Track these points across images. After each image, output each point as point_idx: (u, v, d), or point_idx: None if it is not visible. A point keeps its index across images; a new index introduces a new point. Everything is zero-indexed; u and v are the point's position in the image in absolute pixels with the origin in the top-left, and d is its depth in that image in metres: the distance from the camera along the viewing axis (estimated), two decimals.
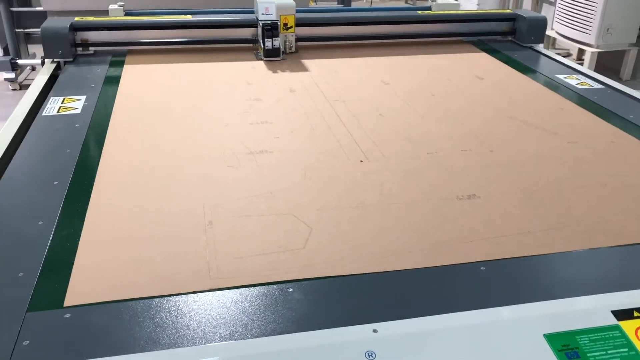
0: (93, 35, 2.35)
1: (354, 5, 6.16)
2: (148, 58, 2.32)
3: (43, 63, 2.29)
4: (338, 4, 5.29)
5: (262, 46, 2.30)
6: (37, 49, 4.88)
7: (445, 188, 1.36)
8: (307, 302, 0.97)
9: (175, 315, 0.93)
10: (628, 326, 0.92)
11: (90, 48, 2.36)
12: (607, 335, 0.90)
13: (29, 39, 4.89)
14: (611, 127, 1.73)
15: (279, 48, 2.30)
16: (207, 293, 0.99)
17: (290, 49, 2.41)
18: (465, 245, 1.15)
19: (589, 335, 0.90)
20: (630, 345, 0.89)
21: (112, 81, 2.03)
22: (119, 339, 0.88)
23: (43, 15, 3.52)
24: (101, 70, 2.15)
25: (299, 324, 0.92)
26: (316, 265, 1.07)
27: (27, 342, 0.87)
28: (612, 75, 4.91)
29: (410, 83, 2.08)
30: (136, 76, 2.11)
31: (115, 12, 2.64)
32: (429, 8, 2.90)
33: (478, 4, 6.19)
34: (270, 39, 2.27)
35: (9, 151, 1.48)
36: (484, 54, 2.52)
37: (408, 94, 1.97)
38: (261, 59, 2.32)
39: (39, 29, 2.25)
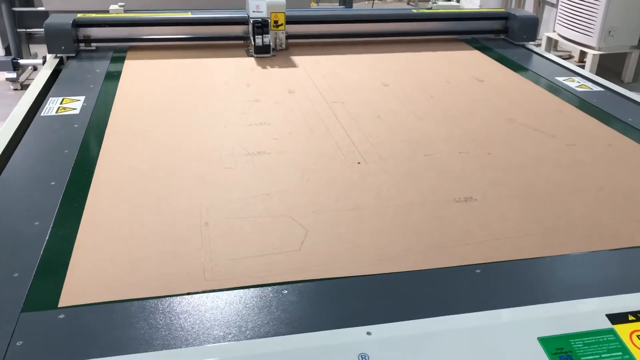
0: (95, 32, 2.40)
1: (355, 7, 6.15)
2: (148, 54, 2.36)
3: (44, 63, 2.31)
4: (340, 5, 5.29)
5: (253, 43, 2.34)
6: (39, 49, 4.89)
7: (442, 190, 1.36)
8: (301, 304, 0.97)
9: (169, 317, 0.93)
10: (623, 330, 0.91)
11: (93, 44, 2.41)
12: (602, 339, 0.90)
13: (30, 38, 4.89)
14: (610, 130, 1.73)
15: (269, 45, 2.35)
16: (201, 294, 0.99)
17: (281, 45, 2.45)
18: (461, 248, 1.15)
19: (583, 339, 0.90)
20: (624, 349, 0.89)
21: (112, 79, 2.05)
22: (112, 340, 0.88)
23: (45, 15, 3.52)
24: (102, 67, 2.19)
25: (292, 325, 0.92)
26: (311, 267, 1.07)
27: (21, 342, 0.87)
28: (613, 77, 4.90)
29: (409, 84, 2.08)
30: (136, 73, 2.13)
31: (116, 13, 2.66)
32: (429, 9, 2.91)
33: (480, 6, 6.18)
34: (260, 36, 2.32)
35: (7, 151, 1.48)
36: (477, 52, 2.54)
37: (407, 96, 1.96)
38: (252, 55, 2.38)
39: (41, 29, 2.27)
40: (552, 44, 5.42)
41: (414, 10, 2.83)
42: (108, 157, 1.47)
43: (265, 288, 1.01)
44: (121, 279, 1.03)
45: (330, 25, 2.63)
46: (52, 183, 1.33)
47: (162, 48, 2.45)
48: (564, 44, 5.27)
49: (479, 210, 1.28)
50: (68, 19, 2.32)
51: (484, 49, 2.58)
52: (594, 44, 4.77)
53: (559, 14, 5.19)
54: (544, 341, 0.89)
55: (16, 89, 4.47)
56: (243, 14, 2.49)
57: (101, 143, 1.55)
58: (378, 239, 1.16)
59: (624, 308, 0.95)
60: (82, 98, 1.84)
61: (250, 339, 0.89)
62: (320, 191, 1.34)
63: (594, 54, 4.75)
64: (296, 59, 2.37)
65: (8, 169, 1.40)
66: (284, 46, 2.46)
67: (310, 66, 2.26)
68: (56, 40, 2.28)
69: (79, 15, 2.41)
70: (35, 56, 4.85)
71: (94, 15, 2.44)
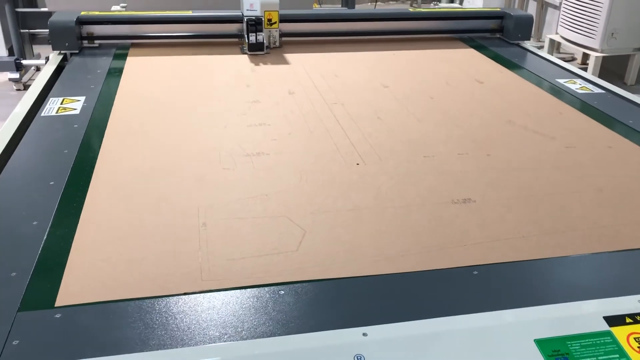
0: (98, 29, 2.45)
1: (357, 8, 6.15)
2: (149, 51, 2.40)
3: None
4: (342, 6, 5.29)
5: (247, 40, 2.38)
6: (42, 50, 4.90)
7: (441, 191, 1.36)
8: (298, 304, 0.97)
9: (166, 317, 0.93)
10: (620, 332, 0.91)
11: (96, 41, 2.45)
12: (599, 341, 0.90)
13: (34, 39, 4.91)
14: (610, 132, 1.73)
15: (262, 42, 2.39)
16: (198, 295, 0.99)
17: (275, 43, 2.49)
18: (459, 249, 1.14)
19: (580, 341, 0.89)
20: (621, 351, 0.88)
21: (113, 78, 2.06)
22: (108, 340, 0.88)
23: (48, 16, 3.54)
24: (104, 64, 2.22)
25: (288, 326, 0.92)
26: (308, 268, 1.07)
27: (17, 341, 0.87)
28: (616, 80, 4.89)
29: (408, 85, 2.08)
30: (136, 72, 2.14)
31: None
32: None
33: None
34: (254, 34, 2.36)
35: (7, 151, 1.48)
36: (474, 51, 2.55)
37: (406, 97, 1.96)
38: (246, 53, 2.41)
39: (44, 30, 2.30)
40: (554, 46, 5.41)
41: (410, 9, 2.84)
42: (107, 157, 1.48)
43: (262, 288, 1.01)
44: (118, 278, 1.03)
45: (324, 23, 2.66)
46: (51, 183, 1.33)
47: (162, 45, 2.49)
48: (566, 46, 5.26)
49: (477, 211, 1.28)
50: (72, 17, 2.36)
51: (479, 48, 2.60)
52: (596, 46, 4.76)
53: (561, 16, 5.18)
54: (541, 343, 0.88)
55: (19, 89, 4.48)
56: (238, 13, 2.52)
57: (101, 143, 1.55)
58: (376, 240, 1.16)
59: (622, 310, 0.95)
60: (82, 98, 1.85)
61: (246, 339, 0.89)
62: (319, 192, 1.34)
63: (596, 56, 4.74)
64: (294, 57, 2.39)
65: (7, 168, 1.40)
66: (277, 44, 2.49)
67: (310, 67, 2.26)
68: (60, 37, 2.32)
69: (82, 12, 2.45)
70: (38, 57, 4.86)
71: (96, 13, 2.49)
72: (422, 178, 1.42)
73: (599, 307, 0.96)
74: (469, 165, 1.49)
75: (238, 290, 1.00)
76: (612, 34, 4.68)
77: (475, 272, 1.07)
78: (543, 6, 5.98)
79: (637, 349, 0.89)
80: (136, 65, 2.22)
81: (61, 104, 1.80)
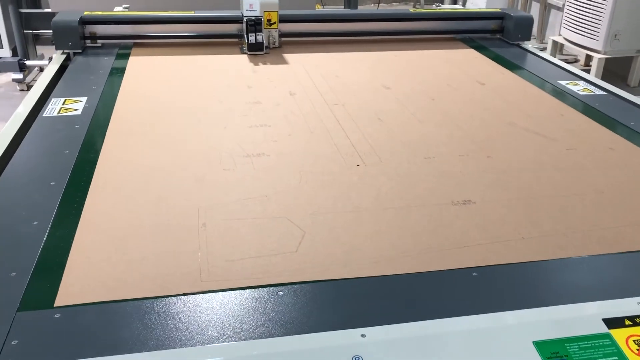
0: (101, 29, 2.47)
1: (360, 9, 6.16)
2: (151, 51, 2.42)
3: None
4: (345, 8, 5.29)
5: (247, 40, 2.39)
6: (46, 50, 4.92)
7: (440, 193, 1.35)
8: (296, 305, 0.97)
9: (165, 317, 0.94)
10: (619, 335, 0.91)
11: (98, 41, 2.47)
12: (597, 344, 0.89)
13: (37, 40, 4.92)
14: (611, 134, 1.72)
15: (262, 42, 2.40)
16: (196, 295, 0.99)
17: (274, 43, 2.50)
18: (458, 251, 1.14)
19: (579, 343, 0.89)
20: (620, 354, 0.88)
21: (115, 79, 2.07)
22: (107, 340, 0.88)
23: (51, 16, 3.55)
24: (106, 64, 2.23)
25: (287, 327, 0.92)
26: (308, 269, 1.07)
27: (16, 341, 0.87)
28: (619, 81, 4.88)
29: (409, 86, 2.08)
30: (138, 72, 2.15)
31: None
32: None
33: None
34: (253, 34, 2.38)
35: (8, 151, 1.49)
36: (474, 51, 2.56)
37: (407, 98, 1.96)
38: (245, 53, 2.42)
39: (48, 31, 2.32)
40: (557, 48, 5.40)
41: (411, 10, 2.85)
42: (108, 158, 1.48)
43: (260, 289, 1.01)
44: (118, 279, 1.03)
45: (323, 24, 2.67)
46: (52, 183, 1.34)
47: (164, 45, 2.51)
48: (569, 48, 5.25)
49: (477, 213, 1.28)
50: (75, 17, 2.38)
51: (480, 48, 2.60)
52: (599, 48, 4.75)
53: (564, 17, 5.17)
54: (539, 345, 0.88)
55: (22, 90, 4.49)
56: (238, 13, 2.53)
57: (102, 144, 1.56)
58: (376, 241, 1.16)
59: (621, 312, 0.94)
60: (84, 99, 1.85)
61: (244, 340, 0.89)
62: (319, 193, 1.34)
63: (599, 58, 4.73)
64: (294, 57, 2.40)
65: (9, 169, 1.41)
66: (277, 44, 2.50)
67: (310, 67, 2.26)
68: (63, 36, 2.34)
69: (85, 12, 2.46)
70: (41, 57, 4.88)
71: (99, 13, 2.51)
72: (422, 179, 1.42)
73: (598, 309, 0.96)
74: (469, 166, 1.49)
75: (237, 291, 1.00)
76: (615, 35, 4.67)
77: (475, 274, 1.07)
78: (546, 8, 5.97)
79: (636, 352, 0.88)
80: (138, 65, 2.23)
81: (63, 104, 1.80)
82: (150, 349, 0.87)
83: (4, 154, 1.46)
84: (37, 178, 1.37)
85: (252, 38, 2.38)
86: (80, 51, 2.37)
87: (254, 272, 1.06)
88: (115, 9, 2.70)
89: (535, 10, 6.07)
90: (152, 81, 2.06)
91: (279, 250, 1.13)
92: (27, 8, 4.64)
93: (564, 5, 5.22)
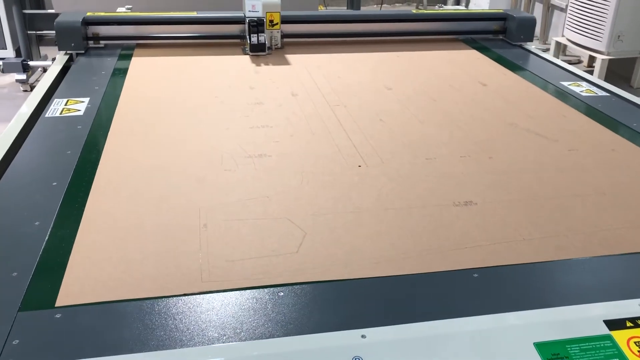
0: (103, 30, 2.47)
1: (363, 10, 6.16)
2: (153, 51, 2.42)
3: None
4: (347, 8, 5.30)
5: (249, 41, 2.40)
6: (49, 51, 4.93)
7: (442, 194, 1.35)
8: (297, 306, 0.97)
9: (165, 317, 0.94)
10: (620, 336, 0.91)
11: (101, 41, 2.48)
12: (598, 345, 0.89)
13: (40, 40, 4.94)
14: (614, 135, 1.72)
15: (264, 43, 2.41)
16: (197, 296, 0.99)
17: (276, 44, 2.50)
18: (459, 252, 1.14)
19: (580, 345, 0.89)
20: (621, 355, 0.88)
21: (117, 79, 2.08)
22: (108, 340, 0.89)
23: (55, 17, 3.56)
24: (109, 65, 2.23)
25: (287, 328, 0.92)
26: (308, 270, 1.07)
27: (17, 341, 0.88)
28: (623, 82, 4.87)
29: (411, 87, 2.08)
30: (140, 73, 2.16)
31: None
32: None
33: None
34: (256, 35, 2.38)
35: (11, 151, 1.49)
36: (476, 52, 2.56)
37: (409, 99, 1.96)
38: (247, 54, 2.43)
39: (51, 31, 2.32)
40: (560, 49, 5.39)
41: (413, 11, 2.85)
42: (110, 158, 1.48)
43: (261, 290, 1.01)
44: (118, 279, 1.03)
45: (325, 24, 2.67)
46: (54, 184, 1.34)
47: (166, 46, 2.52)
48: (573, 49, 5.24)
49: (478, 214, 1.27)
50: (78, 17, 2.39)
51: (482, 49, 2.60)
52: (603, 49, 4.74)
53: (567, 18, 5.16)
54: (540, 346, 0.88)
55: (26, 90, 4.51)
56: (241, 14, 2.53)
57: (103, 144, 1.56)
58: (376, 242, 1.16)
59: (622, 314, 0.94)
60: (86, 100, 1.86)
61: (245, 340, 0.89)
62: (320, 194, 1.34)
63: (603, 59, 4.72)
64: (296, 58, 2.40)
65: (11, 169, 1.41)
66: (279, 45, 2.51)
67: (312, 68, 2.27)
68: (66, 37, 2.34)
69: (88, 13, 2.47)
70: (45, 58, 4.89)
71: (102, 13, 2.51)
72: (423, 180, 1.42)
73: (599, 311, 0.96)
74: (470, 167, 1.49)
75: (237, 292, 1.00)
76: (619, 36, 4.66)
77: (476, 275, 1.07)
78: (549, 8, 5.96)
79: (638, 353, 0.88)
80: (140, 66, 2.23)
81: (65, 105, 1.81)
82: (150, 349, 0.87)
83: (6, 154, 1.47)
84: (39, 178, 1.37)
85: (254, 39, 2.39)
86: (83, 52, 2.37)
87: (255, 272, 1.06)
88: (117, 10, 2.71)
89: (538, 11, 6.06)
90: (154, 82, 2.07)
91: (279, 250, 1.13)
92: (31, 9, 4.66)
93: (567, 6, 5.21)
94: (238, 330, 0.91)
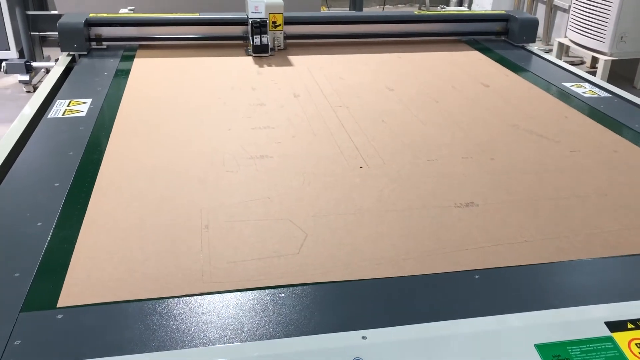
0: (106, 31, 2.48)
1: (366, 11, 6.16)
2: (156, 52, 2.43)
3: None
4: (350, 9, 5.30)
5: (252, 42, 2.40)
6: (52, 52, 4.94)
7: (443, 195, 1.35)
8: (298, 307, 0.98)
9: (166, 318, 0.94)
10: (621, 338, 0.90)
11: (104, 43, 2.49)
12: (600, 347, 0.89)
13: (44, 41, 4.95)
14: (616, 137, 1.72)
15: (267, 44, 2.41)
16: (198, 296, 0.99)
17: (279, 46, 2.51)
18: (460, 253, 1.14)
19: (581, 346, 0.89)
20: (622, 357, 0.88)
21: (120, 81, 2.08)
22: (109, 340, 0.89)
23: (58, 18, 3.57)
24: (111, 66, 2.24)
25: (288, 329, 0.92)
26: (309, 271, 1.08)
27: (19, 341, 0.88)
28: (626, 83, 4.86)
29: (413, 88, 2.08)
30: (143, 74, 2.16)
31: None
32: None
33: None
34: (258, 36, 2.39)
35: (13, 152, 1.50)
36: (478, 53, 2.56)
37: (411, 100, 1.96)
38: (250, 55, 2.43)
39: (54, 32, 2.33)
40: (563, 50, 5.39)
41: (416, 12, 2.85)
42: (112, 159, 1.49)
43: (262, 291, 1.01)
44: (120, 280, 1.04)
45: (328, 26, 2.68)
46: (56, 184, 1.35)
47: (169, 47, 2.53)
48: (575, 50, 5.23)
49: (480, 215, 1.27)
50: (80, 19, 2.39)
51: (485, 50, 2.60)
52: (606, 50, 4.73)
53: (570, 19, 5.16)
54: (541, 348, 0.88)
55: (29, 91, 4.52)
56: (243, 15, 2.54)
57: (106, 145, 1.56)
58: (377, 243, 1.16)
59: (624, 316, 0.94)
60: (88, 101, 1.86)
61: (246, 341, 0.90)
62: (321, 195, 1.34)
63: (605, 60, 4.72)
64: (299, 59, 2.41)
65: (13, 170, 1.42)
66: (282, 46, 2.52)
67: (315, 69, 2.27)
68: (69, 38, 2.35)
69: (91, 14, 2.48)
70: (48, 59, 4.90)
71: (105, 15, 2.52)
72: (425, 181, 1.42)
73: (600, 312, 0.96)
74: (472, 168, 1.49)
75: (238, 293, 1.01)
76: (622, 37, 4.65)
77: (477, 276, 1.07)
78: (552, 9, 5.96)
79: (639, 355, 0.88)
80: (143, 67, 2.24)
81: (68, 106, 1.81)
82: (152, 350, 0.87)
83: (9, 155, 1.47)
84: (41, 179, 1.38)
85: (257, 40, 2.39)
86: (85, 53, 2.38)
87: (256, 273, 1.06)
88: (120, 11, 2.71)
89: (541, 12, 6.06)
90: (156, 83, 2.07)
91: (280, 252, 1.13)
92: (34, 10, 4.67)
93: (570, 7, 5.21)
94: (239, 331, 0.91)
